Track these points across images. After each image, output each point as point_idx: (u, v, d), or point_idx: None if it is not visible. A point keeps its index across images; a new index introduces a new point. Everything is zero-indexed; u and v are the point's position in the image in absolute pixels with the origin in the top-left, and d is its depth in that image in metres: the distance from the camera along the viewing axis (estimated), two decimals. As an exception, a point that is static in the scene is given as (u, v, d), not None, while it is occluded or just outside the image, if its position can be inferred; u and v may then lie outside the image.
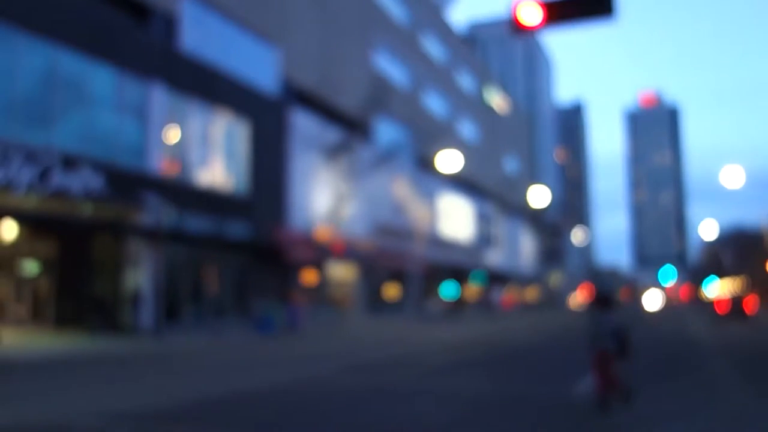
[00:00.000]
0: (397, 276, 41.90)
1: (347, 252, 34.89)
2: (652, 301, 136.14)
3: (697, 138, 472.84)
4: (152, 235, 23.14)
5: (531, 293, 78.45)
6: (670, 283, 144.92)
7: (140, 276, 23.43)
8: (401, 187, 41.22)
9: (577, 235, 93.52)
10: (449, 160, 41.14)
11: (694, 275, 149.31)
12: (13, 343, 18.58)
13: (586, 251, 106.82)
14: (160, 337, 21.96)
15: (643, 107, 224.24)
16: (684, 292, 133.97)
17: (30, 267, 25.05)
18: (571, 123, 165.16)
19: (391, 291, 42.09)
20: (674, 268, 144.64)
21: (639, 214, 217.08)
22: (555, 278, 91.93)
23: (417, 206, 41.50)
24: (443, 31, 55.67)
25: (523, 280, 74.16)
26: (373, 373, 13.57)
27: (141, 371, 14.24)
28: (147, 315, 23.24)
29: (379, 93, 40.07)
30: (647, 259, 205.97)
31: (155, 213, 22.31)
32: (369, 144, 39.23)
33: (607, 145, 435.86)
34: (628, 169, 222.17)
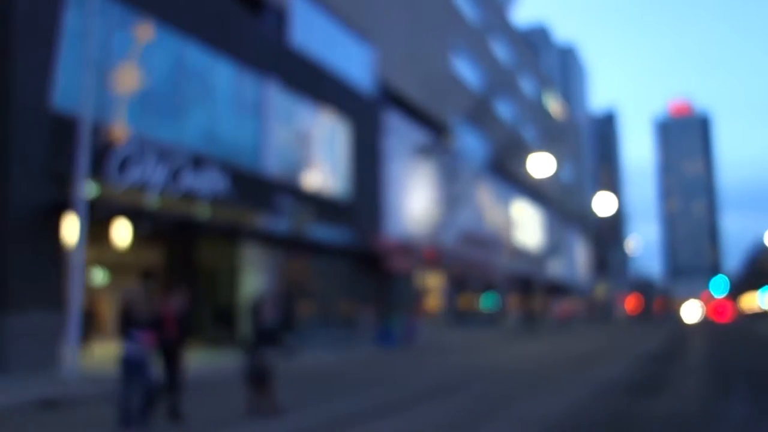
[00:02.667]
0: (477, 285, 40.21)
1: (438, 260, 33.30)
2: (691, 313, 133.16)
3: (729, 147, 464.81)
4: (274, 241, 21.73)
5: (582, 305, 76.38)
6: (720, 295, 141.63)
7: (259, 284, 21.98)
8: (483, 194, 39.65)
9: (630, 245, 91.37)
10: (541, 164, 39.52)
11: (734, 287, 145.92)
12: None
13: (624, 262, 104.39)
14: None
15: (673, 116, 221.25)
16: (720, 305, 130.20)
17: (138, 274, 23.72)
18: (604, 132, 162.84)
19: (472, 301, 40.39)
20: (726, 278, 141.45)
21: (671, 224, 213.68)
22: (601, 289, 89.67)
23: (497, 214, 39.87)
24: (509, 32, 54.21)
25: (578, 291, 72.14)
26: (631, 394, 11.87)
27: (304, 389, 12.70)
28: (266, 326, 21.76)
29: (460, 96, 38.63)
30: (679, 270, 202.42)
31: (290, 218, 20.88)
32: (452, 149, 37.71)
33: (635, 154, 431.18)
34: (659, 179, 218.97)
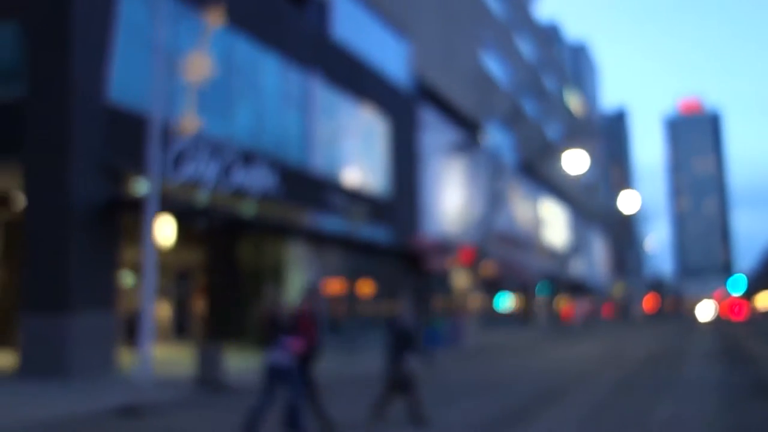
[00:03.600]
0: (504, 285, 39.53)
1: (474, 260, 32.65)
2: (705, 312, 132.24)
3: (740, 144, 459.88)
4: (321, 240, 21.13)
5: (602, 304, 75.56)
6: (738, 293, 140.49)
7: (306, 283, 21.36)
8: (514, 193, 38.98)
9: (649, 244, 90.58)
10: (575, 161, 38.81)
11: (747, 286, 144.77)
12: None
13: (642, 261, 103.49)
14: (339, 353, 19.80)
15: (683, 114, 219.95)
16: (736, 304, 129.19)
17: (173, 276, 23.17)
18: (614, 130, 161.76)
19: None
20: (744, 277, 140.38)
21: (681, 223, 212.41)
22: (618, 289, 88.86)
23: (527, 212, 39.21)
24: (532, 29, 53.50)
25: (597, 291, 71.36)
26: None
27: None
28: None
29: (490, 93, 37.97)
30: (690, 269, 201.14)
31: (345, 216, 20.28)
32: (483, 146, 37.04)
33: (644, 153, 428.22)
34: (669, 177, 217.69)
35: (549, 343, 27.76)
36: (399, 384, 7.64)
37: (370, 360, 18.03)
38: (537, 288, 43.23)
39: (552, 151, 48.76)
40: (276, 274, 21.86)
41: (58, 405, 10.04)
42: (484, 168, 34.78)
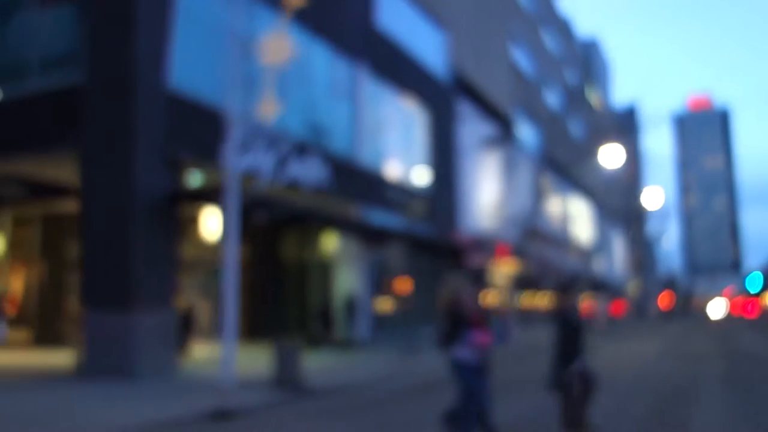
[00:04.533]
0: (537, 283, 38.81)
1: (509, 257, 31.95)
2: (717, 310, 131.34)
3: (750, 141, 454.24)
4: (369, 234, 20.45)
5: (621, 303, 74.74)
6: (756, 291, 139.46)
7: (354, 280, 20.74)
8: (545, 189, 38.27)
9: (667, 241, 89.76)
10: (611, 155, 38.11)
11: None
12: (246, 364, 15.83)
13: (657, 259, 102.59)
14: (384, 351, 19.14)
15: (692, 110, 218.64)
16: (749, 302, 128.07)
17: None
18: (624, 126, 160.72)
19: (532, 299, 39.02)
20: (761, 274, 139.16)
21: (690, 220, 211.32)
22: (633, 286, 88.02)
23: (556, 208, 38.50)
24: (556, 22, 52.74)
25: (616, 289, 70.62)
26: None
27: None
28: (364, 325, 20.51)
29: (520, 87, 37.27)
30: (699, 267, 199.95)
31: (402, 211, 19.63)
32: (517, 141, 36.35)
33: (654, 150, 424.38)
34: (678, 174, 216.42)
35: (596, 342, 27.00)
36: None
37: (429, 356, 17.31)
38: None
39: (577, 147, 48.06)
40: (323, 270, 21.25)
41: (147, 409, 9.39)
42: (519, 163, 34.07)
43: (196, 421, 8.88)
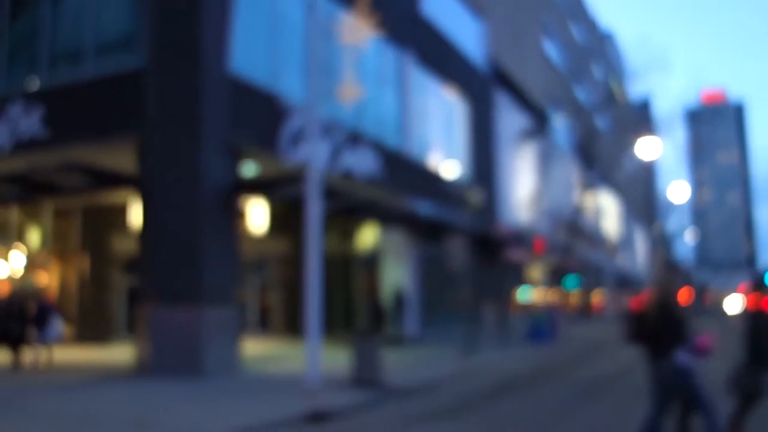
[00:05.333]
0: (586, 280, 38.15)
1: (546, 251, 31.34)
2: (733, 305, 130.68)
3: (764, 136, 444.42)
4: (416, 227, 19.87)
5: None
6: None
7: (402, 274, 20.17)
8: (577, 183, 37.58)
9: (690, 236, 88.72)
10: (648, 147, 37.34)
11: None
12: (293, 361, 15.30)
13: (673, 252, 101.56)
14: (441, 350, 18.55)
15: (706, 104, 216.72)
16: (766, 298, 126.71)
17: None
18: (638, 120, 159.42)
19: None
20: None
21: (703, 215, 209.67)
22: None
23: (589, 203, 37.80)
24: (583, 15, 51.90)
25: (637, 284, 69.83)
26: None
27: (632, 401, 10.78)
28: (412, 321, 19.93)
29: (552, 79, 36.53)
30: (712, 263, 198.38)
31: (464, 202, 19.07)
32: (551, 134, 35.66)
33: (666, 144, 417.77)
34: (691, 169, 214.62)
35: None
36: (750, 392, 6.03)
37: (486, 354, 16.73)
38: (565, 281, 41.52)
39: (604, 141, 47.28)
40: (369, 264, 20.67)
41: (238, 410, 8.85)
42: (554, 156, 33.39)
43: (291, 424, 8.34)
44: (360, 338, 11.31)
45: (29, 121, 13.83)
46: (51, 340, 12.81)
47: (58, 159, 13.27)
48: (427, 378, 12.40)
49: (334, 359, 13.18)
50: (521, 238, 28.39)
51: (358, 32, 11.18)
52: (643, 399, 10.04)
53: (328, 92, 16.39)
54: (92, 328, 18.60)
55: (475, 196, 19.63)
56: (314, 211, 10.27)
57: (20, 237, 19.82)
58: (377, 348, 11.10)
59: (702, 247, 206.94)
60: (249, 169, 15.38)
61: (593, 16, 56.47)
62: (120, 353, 16.16)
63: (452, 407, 9.63)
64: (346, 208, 16.64)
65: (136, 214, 15.79)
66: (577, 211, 35.75)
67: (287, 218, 19.08)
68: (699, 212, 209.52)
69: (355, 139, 17.23)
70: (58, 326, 13.13)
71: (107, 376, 12.19)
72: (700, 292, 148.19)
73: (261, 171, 15.00)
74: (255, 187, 14.25)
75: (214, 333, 12.18)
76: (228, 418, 8.20)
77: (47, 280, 19.51)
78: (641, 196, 68.35)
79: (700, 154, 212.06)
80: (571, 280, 35.92)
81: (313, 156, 10.45)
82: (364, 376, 10.87)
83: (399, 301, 19.44)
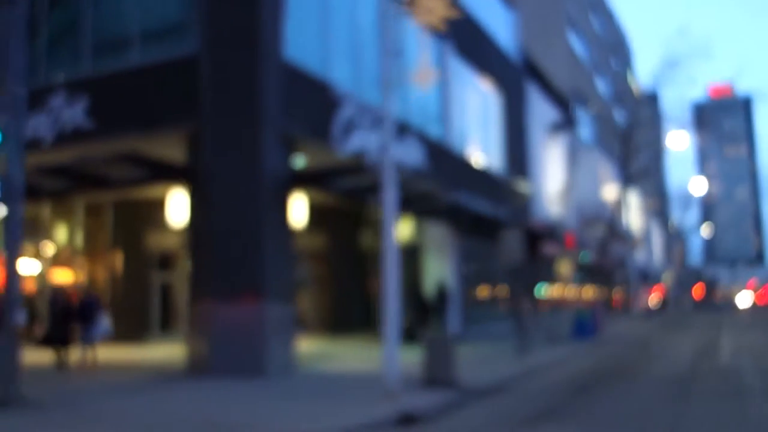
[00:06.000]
0: (596, 273, 37.56)
1: (576, 246, 30.77)
2: (744, 301, 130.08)
3: None
4: (457, 220, 19.32)
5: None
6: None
7: (444, 269, 19.63)
8: (604, 177, 36.98)
9: (706, 230, 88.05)
10: (677, 140, 36.76)
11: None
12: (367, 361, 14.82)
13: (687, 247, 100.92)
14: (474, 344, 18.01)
15: (713, 98, 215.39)
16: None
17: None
18: (645, 114, 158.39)
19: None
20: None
21: (711, 210, 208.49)
22: (668, 276, 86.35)
23: (614, 197, 37.18)
24: (603, 7, 51.21)
25: (654, 279, 69.20)
26: None
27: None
28: (455, 318, 19.39)
29: (577, 72, 35.91)
30: (720, 258, 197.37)
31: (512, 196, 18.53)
32: (578, 127, 35.06)
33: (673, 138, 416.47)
34: (699, 163, 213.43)
35: (678, 333, 25.79)
36: None
37: (539, 352, 16.14)
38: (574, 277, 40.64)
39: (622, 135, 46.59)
40: (409, 259, 20.06)
41: (320, 412, 8.33)
42: (581, 150, 32.81)
43: (383, 426, 7.81)
44: (433, 336, 10.74)
45: (72, 112, 13.29)
46: (98, 338, 12.25)
47: (102, 150, 12.75)
48: (495, 377, 11.85)
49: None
50: (554, 232, 27.83)
51: (437, 9, 10.56)
52: (740, 398, 9.51)
53: (373, 79, 15.84)
54: (126, 326, 18.07)
55: (526, 189, 19.00)
56: (390, 199, 9.75)
57: (50, 233, 19.34)
58: (451, 346, 10.56)
59: (710, 242, 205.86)
60: (299, 160, 14.86)
61: (611, 7, 55.71)
62: (160, 351, 15.69)
63: (543, 409, 9.09)
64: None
65: (175, 209, 15.29)
66: (611, 208, 35.10)
67: (322, 214, 18.57)
68: (707, 207, 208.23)
69: (402, 129, 16.65)
70: (106, 323, 12.60)
71: (161, 375, 11.69)
72: (710, 287, 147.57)
73: (310, 162, 14.46)
74: (312, 178, 13.67)
75: (275, 330, 11.66)
76: (320, 420, 7.68)
77: (78, 277, 19.02)
78: (655, 189, 67.61)
79: (707, 148, 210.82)
80: (576, 276, 35.11)
81: (388, 143, 9.92)
82: (438, 376, 10.33)
83: (442, 296, 18.88)
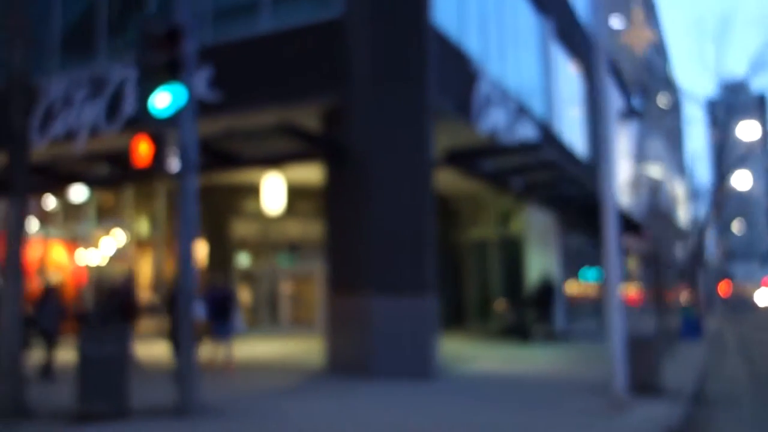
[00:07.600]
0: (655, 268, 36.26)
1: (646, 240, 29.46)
2: (763, 297, 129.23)
3: None
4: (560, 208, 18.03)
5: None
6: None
7: (548, 262, 18.37)
8: (667, 168, 35.69)
9: (736, 227, 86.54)
10: (750, 130, 35.45)
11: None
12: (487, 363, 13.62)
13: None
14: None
15: (726, 94, 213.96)
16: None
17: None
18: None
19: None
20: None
21: (723, 205, 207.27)
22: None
23: (671, 189, 35.92)
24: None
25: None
26: None
27: None
28: (560, 314, 18.14)
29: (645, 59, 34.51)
30: (733, 254, 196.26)
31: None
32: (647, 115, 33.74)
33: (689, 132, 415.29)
34: (711, 157, 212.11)
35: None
36: None
37: (671, 351, 14.88)
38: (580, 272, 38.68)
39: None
40: (510, 251, 18.84)
41: (556, 423, 7.10)
42: (642, 137, 31.51)
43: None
44: (637, 337, 9.48)
45: (193, 84, 11.98)
46: (233, 334, 10.99)
47: (226, 125, 11.44)
48: (683, 380, 10.57)
49: (518, 357, 11.43)
50: (631, 225, 26.54)
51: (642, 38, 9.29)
52: None
53: (494, 57, 14.52)
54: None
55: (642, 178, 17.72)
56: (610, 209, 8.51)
57: (132, 220, 18.16)
58: (659, 348, 9.32)
59: (723, 239, 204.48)
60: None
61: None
62: (276, 347, 14.49)
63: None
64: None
65: (269, 195, 13.99)
66: (667, 199, 33.84)
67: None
68: (720, 203, 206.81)
69: (521, 110, 15.42)
70: (240, 318, 11.38)
71: (306, 376, 10.48)
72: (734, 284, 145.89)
73: (445, 141, 13.18)
74: (461, 158, 12.34)
75: (434, 328, 10.43)
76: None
77: (161, 265, 17.85)
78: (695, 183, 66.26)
79: (720, 142, 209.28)
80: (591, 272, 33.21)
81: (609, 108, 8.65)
82: (646, 382, 9.08)
83: (548, 291, 17.60)
